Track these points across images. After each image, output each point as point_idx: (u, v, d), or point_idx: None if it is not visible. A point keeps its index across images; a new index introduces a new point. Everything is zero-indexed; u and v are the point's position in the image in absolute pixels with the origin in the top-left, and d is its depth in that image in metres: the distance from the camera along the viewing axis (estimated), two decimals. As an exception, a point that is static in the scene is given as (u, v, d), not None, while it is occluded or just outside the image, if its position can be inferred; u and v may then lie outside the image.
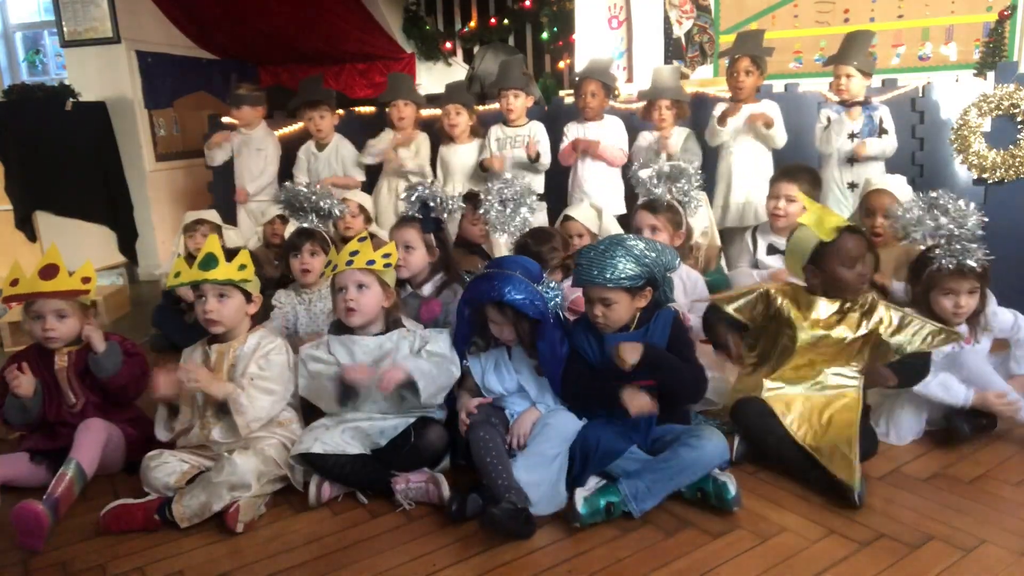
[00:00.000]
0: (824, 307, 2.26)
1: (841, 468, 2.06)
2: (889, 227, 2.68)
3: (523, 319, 2.20)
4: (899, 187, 3.02)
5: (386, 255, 2.33)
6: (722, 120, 3.87)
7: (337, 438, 2.22)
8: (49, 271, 2.31)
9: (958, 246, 2.37)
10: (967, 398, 2.35)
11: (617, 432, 2.13)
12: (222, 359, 2.31)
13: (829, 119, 3.77)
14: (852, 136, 3.67)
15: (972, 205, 2.41)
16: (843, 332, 2.24)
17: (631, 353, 2.06)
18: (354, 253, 2.31)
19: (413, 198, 2.88)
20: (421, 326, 2.48)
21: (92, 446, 2.25)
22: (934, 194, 2.44)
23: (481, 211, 3.21)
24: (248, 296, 2.35)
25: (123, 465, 2.42)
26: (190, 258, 2.32)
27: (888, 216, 2.71)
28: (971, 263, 2.34)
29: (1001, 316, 2.53)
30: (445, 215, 2.93)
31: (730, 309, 2.34)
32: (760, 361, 2.38)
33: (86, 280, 2.37)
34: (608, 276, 2.10)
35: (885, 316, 2.24)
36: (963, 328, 2.43)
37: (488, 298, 2.19)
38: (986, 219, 2.44)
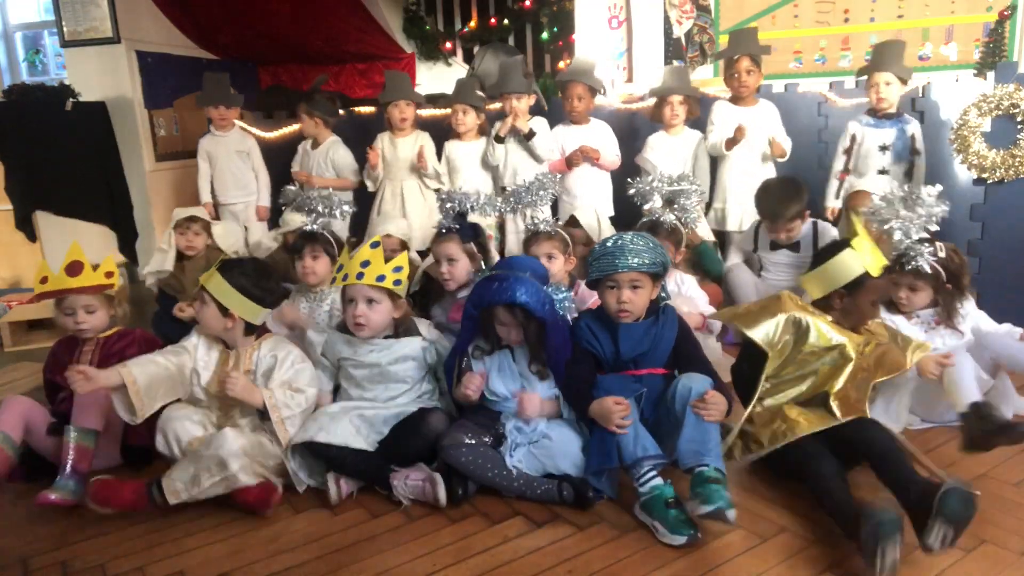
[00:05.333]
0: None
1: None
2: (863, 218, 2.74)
3: (532, 320, 2.21)
4: None
5: (397, 268, 2.32)
6: (729, 146, 3.83)
7: (343, 428, 2.21)
8: (74, 268, 2.46)
9: (911, 252, 2.50)
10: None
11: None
12: (239, 361, 2.36)
13: (854, 137, 3.67)
14: (883, 148, 3.65)
15: (938, 203, 2.48)
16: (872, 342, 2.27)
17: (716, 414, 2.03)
18: (365, 264, 2.29)
19: (448, 209, 2.93)
20: (441, 335, 2.51)
21: (89, 407, 2.29)
22: (914, 191, 2.52)
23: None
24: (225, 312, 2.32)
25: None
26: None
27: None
28: (923, 264, 2.49)
29: (970, 308, 2.64)
30: (481, 212, 3.02)
31: (756, 338, 2.18)
32: (772, 388, 2.24)
33: (109, 275, 2.53)
34: (644, 260, 2.16)
35: (881, 329, 2.33)
36: (928, 313, 2.62)
37: (498, 300, 2.19)
38: (946, 213, 2.51)
